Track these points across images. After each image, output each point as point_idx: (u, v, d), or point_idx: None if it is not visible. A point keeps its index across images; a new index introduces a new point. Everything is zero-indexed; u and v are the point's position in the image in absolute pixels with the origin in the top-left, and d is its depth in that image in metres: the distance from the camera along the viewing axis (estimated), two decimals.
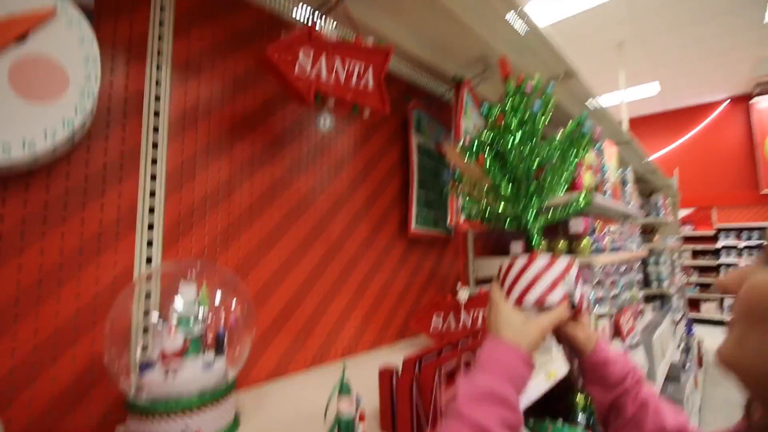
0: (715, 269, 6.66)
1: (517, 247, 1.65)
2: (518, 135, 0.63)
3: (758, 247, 6.19)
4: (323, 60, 0.88)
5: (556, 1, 3.99)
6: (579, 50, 5.30)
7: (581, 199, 0.66)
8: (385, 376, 0.72)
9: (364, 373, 1.06)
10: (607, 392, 0.60)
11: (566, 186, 0.68)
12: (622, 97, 4.20)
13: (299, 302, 1.12)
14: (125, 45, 0.82)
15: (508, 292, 0.57)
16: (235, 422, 0.75)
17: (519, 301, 0.55)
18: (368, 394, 0.75)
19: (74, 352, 0.73)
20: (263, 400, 0.91)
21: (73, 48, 0.67)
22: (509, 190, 0.63)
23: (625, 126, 4.03)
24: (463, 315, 1.31)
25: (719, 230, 6.89)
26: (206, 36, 0.96)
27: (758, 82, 7.00)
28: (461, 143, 0.68)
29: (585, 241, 1.64)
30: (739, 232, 6.61)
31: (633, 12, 4.54)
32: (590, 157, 1.76)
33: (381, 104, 1.00)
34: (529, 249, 0.66)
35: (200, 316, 0.76)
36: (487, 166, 0.64)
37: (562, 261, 0.56)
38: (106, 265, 0.77)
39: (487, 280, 1.83)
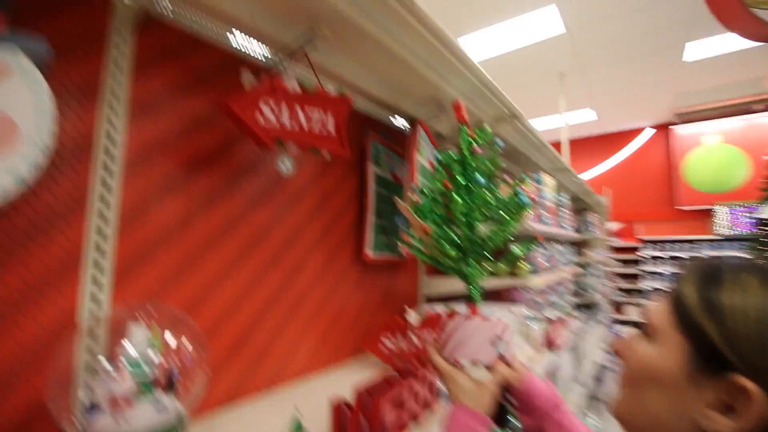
0: (636, 276, 7.42)
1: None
2: (462, 202, 0.72)
3: (672, 258, 6.96)
4: (285, 109, 0.92)
5: (504, 34, 4.28)
6: (524, 79, 5.68)
7: (519, 251, 0.76)
8: (337, 409, 0.77)
9: (318, 395, 1.11)
10: (535, 419, 0.70)
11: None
12: (564, 121, 4.57)
13: (254, 328, 1.15)
14: (79, 87, 0.81)
15: (443, 347, 0.65)
16: None
17: (454, 354, 0.64)
18: (320, 416, 0.80)
19: (14, 398, 0.71)
20: (216, 430, 0.92)
21: (24, 101, 0.66)
22: (453, 252, 0.72)
23: (566, 147, 4.38)
24: (413, 336, 1.39)
25: (641, 241, 7.70)
26: (166, 75, 0.96)
27: (677, 112, 7.88)
28: (413, 202, 0.76)
29: (523, 264, 1.80)
30: (656, 243, 7.43)
31: (574, 47, 4.94)
32: (530, 187, 1.93)
33: (341, 148, 1.06)
34: (470, 300, 0.74)
35: (151, 358, 0.77)
36: (434, 231, 0.71)
37: (497, 324, 0.64)
38: (50, 309, 0.76)
39: (438, 299, 1.94)
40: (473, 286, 0.73)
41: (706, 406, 0.39)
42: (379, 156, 1.59)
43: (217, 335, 1.05)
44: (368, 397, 0.84)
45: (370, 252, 1.52)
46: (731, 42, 5.15)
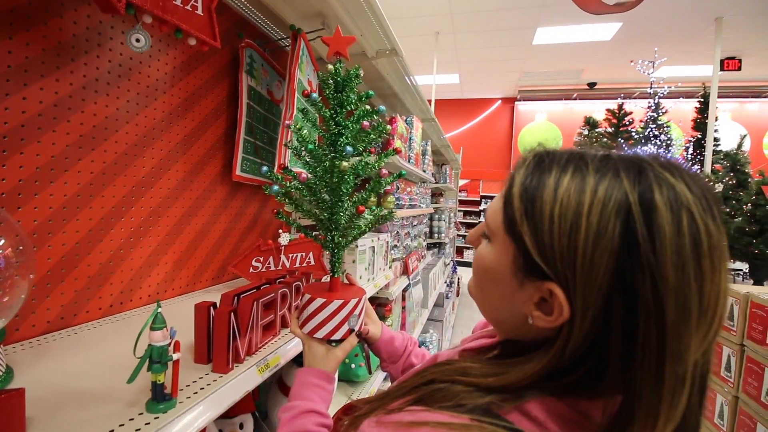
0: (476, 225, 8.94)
1: None
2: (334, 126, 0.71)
3: None
4: None
5: None
6: (401, 30, 5.81)
7: (380, 160, 0.80)
8: (202, 309, 0.74)
9: (176, 314, 1.04)
10: (397, 361, 0.82)
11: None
12: (432, 80, 4.88)
13: (93, 245, 0.97)
14: None
15: (303, 325, 0.72)
16: (7, 375, 0.65)
17: (311, 334, 0.71)
18: (182, 333, 0.76)
19: None
20: (45, 351, 0.79)
21: None
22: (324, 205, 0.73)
23: (432, 105, 4.73)
24: (282, 258, 1.39)
25: (482, 197, 9.15)
26: None
27: (520, 89, 9.23)
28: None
29: (390, 198, 1.95)
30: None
31: (451, 7, 5.21)
32: (402, 127, 2.05)
33: (210, 34, 0.92)
34: (332, 272, 0.77)
35: None
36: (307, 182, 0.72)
37: (351, 303, 0.71)
38: None
39: (309, 227, 1.96)
40: (337, 258, 0.76)
41: (531, 305, 0.42)
42: (254, 67, 1.44)
43: (42, 248, 0.86)
44: (236, 298, 0.82)
45: (239, 171, 1.42)
46: (569, 34, 6.17)
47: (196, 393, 0.66)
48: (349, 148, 0.69)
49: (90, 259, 0.97)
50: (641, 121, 7.52)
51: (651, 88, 7.28)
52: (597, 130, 7.99)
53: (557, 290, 0.39)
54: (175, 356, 0.60)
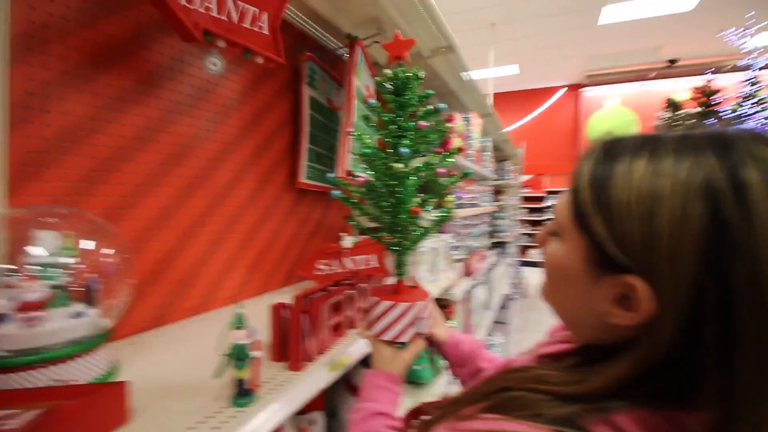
0: (541, 223, 8.37)
1: None
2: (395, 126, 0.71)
3: None
4: None
5: None
6: (455, 25, 5.67)
7: (446, 159, 0.79)
8: (276, 309, 0.79)
9: (251, 315, 1.11)
10: (465, 364, 0.80)
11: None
12: (490, 74, 4.71)
13: (180, 251, 1.08)
14: None
15: (370, 327, 0.72)
16: (113, 370, 0.74)
17: (378, 336, 0.71)
18: (258, 326, 0.81)
19: None
20: (143, 348, 0.89)
21: None
22: (384, 202, 0.73)
23: (490, 100, 4.57)
24: (346, 260, 1.43)
25: (547, 192, 8.62)
26: None
27: (587, 74, 8.58)
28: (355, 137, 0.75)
29: (450, 197, 1.92)
30: (560, 194, 8.46)
31: None
32: (460, 124, 2.01)
33: (276, 52, 0.98)
34: (398, 274, 0.76)
35: (65, 264, 0.70)
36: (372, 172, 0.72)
37: (417, 306, 0.71)
38: None
39: (370, 230, 2.00)
40: (402, 262, 0.76)
41: (610, 302, 0.39)
42: (314, 78, 1.50)
43: (139, 256, 0.98)
44: (308, 300, 0.86)
45: (303, 179, 1.49)
46: (642, 9, 5.61)
47: (274, 390, 0.70)
48: (404, 150, 0.69)
49: (178, 265, 1.08)
50: (735, 98, 6.60)
51: (746, 59, 6.35)
52: (681, 111, 7.16)
53: (638, 282, 0.36)
54: (256, 354, 0.64)
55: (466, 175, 0.77)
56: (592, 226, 0.39)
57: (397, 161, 0.69)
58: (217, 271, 1.21)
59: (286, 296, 1.38)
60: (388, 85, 0.71)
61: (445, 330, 0.82)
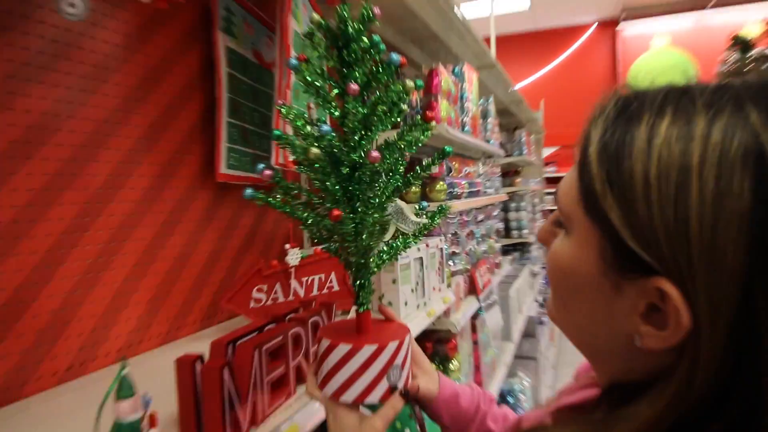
0: None
1: None
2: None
3: None
4: None
5: None
6: None
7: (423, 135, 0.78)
8: (185, 365, 0.76)
9: (152, 375, 1.08)
10: (470, 429, 0.80)
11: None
12: (490, 9, 4.77)
13: (37, 288, 1.03)
14: None
15: (323, 384, 0.68)
16: None
17: (335, 397, 0.66)
18: (162, 399, 0.78)
19: None
20: None
21: None
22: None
23: (493, 45, 4.63)
24: (294, 283, 1.41)
25: None
26: None
27: (625, 6, 8.83)
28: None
29: (440, 185, 1.92)
30: None
31: None
32: (448, 82, 2.01)
33: None
34: (357, 304, 0.73)
35: None
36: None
37: (389, 348, 0.67)
38: None
39: (324, 238, 1.98)
40: (362, 284, 0.72)
41: (638, 318, 0.40)
42: (232, 22, 1.48)
43: None
44: (230, 346, 0.84)
45: (224, 169, 1.46)
46: None
47: None
48: (325, 127, 0.66)
49: (36, 309, 1.03)
50: None
51: None
52: (753, 51, 7.46)
53: (669, 287, 0.36)
54: None
55: (445, 154, 0.75)
56: (604, 210, 0.40)
57: (311, 144, 0.66)
58: (98, 312, 1.16)
59: (206, 342, 1.35)
60: (321, 36, 0.69)
61: (434, 379, 0.81)
